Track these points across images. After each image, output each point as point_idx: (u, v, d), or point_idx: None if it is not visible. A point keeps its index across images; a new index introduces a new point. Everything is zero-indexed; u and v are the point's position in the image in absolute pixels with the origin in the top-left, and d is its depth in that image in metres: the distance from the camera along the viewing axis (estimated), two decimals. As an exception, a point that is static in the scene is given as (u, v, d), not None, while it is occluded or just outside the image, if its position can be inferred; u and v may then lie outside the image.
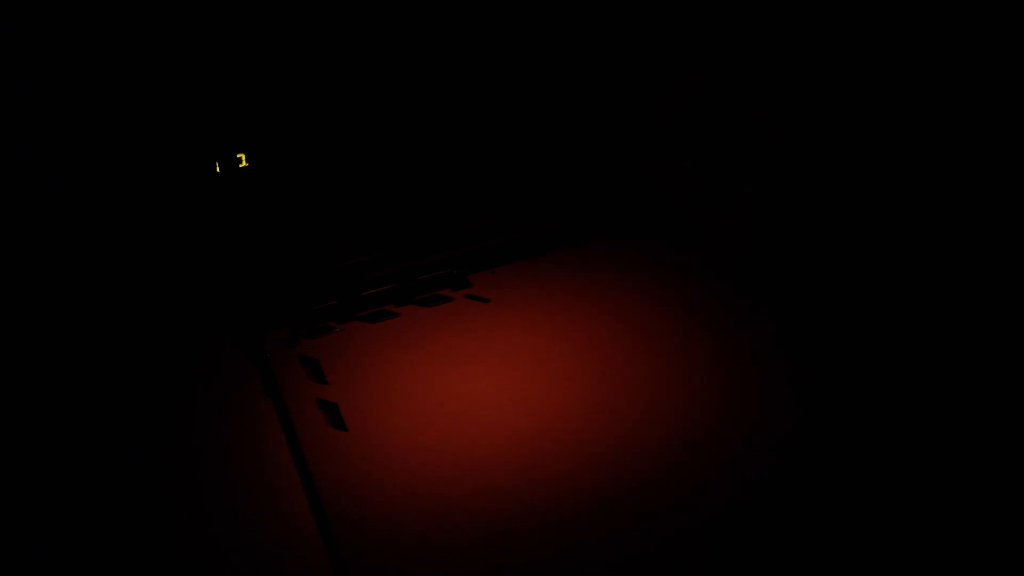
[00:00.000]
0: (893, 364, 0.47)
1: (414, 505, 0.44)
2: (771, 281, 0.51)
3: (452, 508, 0.44)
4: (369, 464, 0.47)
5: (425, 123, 0.78)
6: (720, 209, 0.77)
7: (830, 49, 0.68)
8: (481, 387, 0.55)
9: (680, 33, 0.82)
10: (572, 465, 0.46)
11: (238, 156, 0.73)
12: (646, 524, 0.41)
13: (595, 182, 0.84)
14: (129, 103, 0.68)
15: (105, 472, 0.49)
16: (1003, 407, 0.44)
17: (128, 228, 0.69)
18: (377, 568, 0.41)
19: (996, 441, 0.43)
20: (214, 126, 0.71)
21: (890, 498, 0.41)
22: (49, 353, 0.60)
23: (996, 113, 0.55)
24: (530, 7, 0.82)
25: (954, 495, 0.40)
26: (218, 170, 0.70)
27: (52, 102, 0.65)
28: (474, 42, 0.80)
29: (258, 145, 0.74)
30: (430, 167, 0.79)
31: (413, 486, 0.45)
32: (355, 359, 0.59)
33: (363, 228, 0.72)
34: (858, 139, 0.65)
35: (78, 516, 0.46)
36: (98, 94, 0.67)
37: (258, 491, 0.47)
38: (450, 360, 0.58)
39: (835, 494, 0.42)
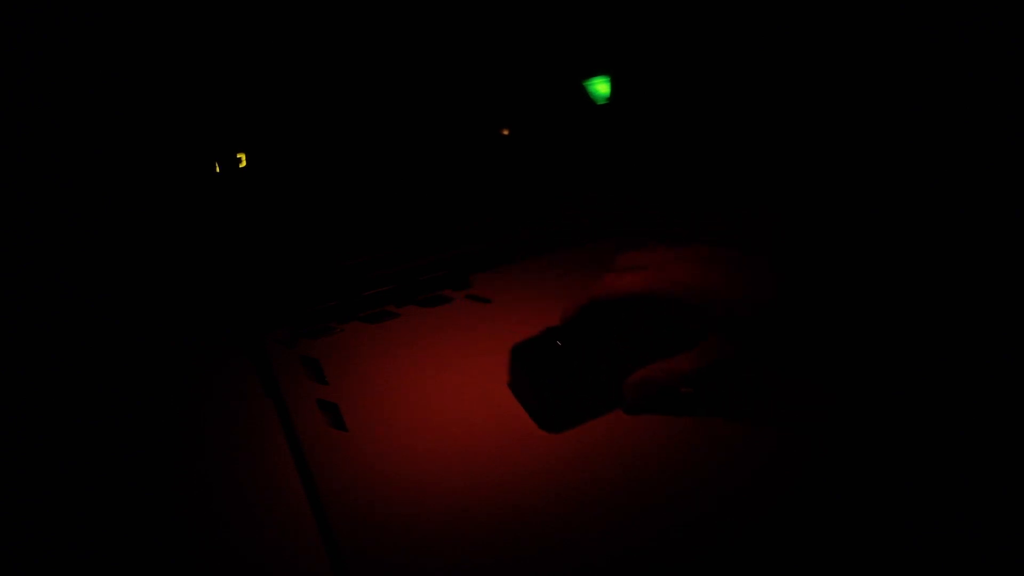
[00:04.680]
0: (893, 364, 0.47)
1: (415, 505, 0.44)
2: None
3: (454, 507, 0.44)
4: (370, 464, 0.47)
5: (426, 123, 0.79)
6: (718, 207, 0.77)
7: (829, 50, 0.68)
8: (482, 386, 0.55)
9: (679, 33, 0.82)
10: (573, 462, 0.46)
11: (238, 156, 0.73)
12: (647, 519, 0.41)
13: (597, 181, 0.84)
14: (129, 103, 0.69)
15: (105, 472, 0.49)
16: (1004, 409, 0.44)
17: (128, 229, 0.69)
18: (378, 567, 0.41)
19: (997, 443, 0.43)
20: (214, 126, 0.71)
21: (888, 499, 0.41)
22: (48, 355, 0.60)
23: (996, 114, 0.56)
24: (533, 7, 0.82)
25: (954, 497, 0.40)
26: (218, 170, 0.71)
27: (51, 102, 0.65)
28: (476, 42, 0.80)
29: (258, 145, 0.74)
30: (431, 167, 0.79)
31: (414, 486, 0.45)
32: (356, 359, 0.59)
33: (363, 228, 0.73)
34: (859, 140, 0.65)
35: (78, 516, 0.46)
36: (97, 94, 0.67)
37: (258, 491, 0.47)
38: (451, 360, 0.58)
39: (833, 493, 0.42)
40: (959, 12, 0.55)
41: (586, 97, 0.84)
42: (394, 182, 0.78)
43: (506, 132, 0.82)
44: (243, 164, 0.71)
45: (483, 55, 0.79)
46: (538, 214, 0.78)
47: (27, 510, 0.45)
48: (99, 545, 0.43)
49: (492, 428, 0.51)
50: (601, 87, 0.84)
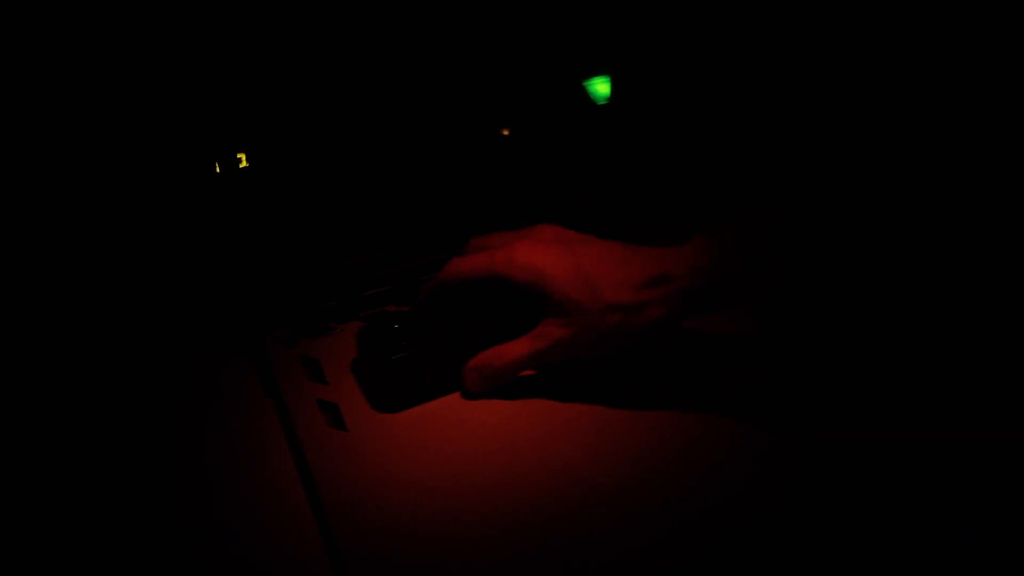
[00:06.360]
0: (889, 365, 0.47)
1: (415, 505, 0.44)
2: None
3: (454, 507, 0.44)
4: (370, 464, 0.48)
5: (426, 123, 0.79)
6: (718, 207, 0.77)
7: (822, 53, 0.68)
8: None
9: (679, 33, 0.82)
10: (573, 462, 0.46)
11: (238, 156, 0.73)
12: (646, 519, 0.41)
13: (597, 181, 0.84)
14: (129, 103, 0.68)
15: (105, 472, 0.49)
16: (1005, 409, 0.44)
17: (128, 229, 0.69)
18: (378, 567, 0.41)
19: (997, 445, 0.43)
20: (214, 126, 0.71)
21: (885, 500, 0.41)
22: (48, 354, 0.60)
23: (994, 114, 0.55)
24: (533, 7, 0.82)
25: (947, 503, 0.40)
26: (218, 170, 0.71)
27: (51, 102, 0.65)
28: (476, 42, 0.80)
29: (258, 145, 0.74)
30: (430, 167, 0.79)
31: (414, 486, 0.45)
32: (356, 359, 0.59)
33: (363, 228, 0.73)
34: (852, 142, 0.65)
35: (78, 516, 0.46)
36: (97, 94, 0.67)
37: (258, 491, 0.47)
38: (450, 360, 0.59)
39: (829, 494, 0.42)
40: (959, 12, 0.55)
41: (586, 97, 0.84)
42: (394, 182, 0.77)
43: (506, 132, 0.82)
44: (243, 164, 0.71)
45: (483, 55, 0.79)
46: (538, 214, 0.78)
47: (27, 510, 0.45)
48: (99, 545, 0.43)
49: (492, 425, 0.51)
50: (601, 87, 0.84)
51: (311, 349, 0.59)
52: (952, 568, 0.36)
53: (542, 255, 0.49)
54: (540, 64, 0.81)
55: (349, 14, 0.72)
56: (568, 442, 0.48)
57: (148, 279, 0.67)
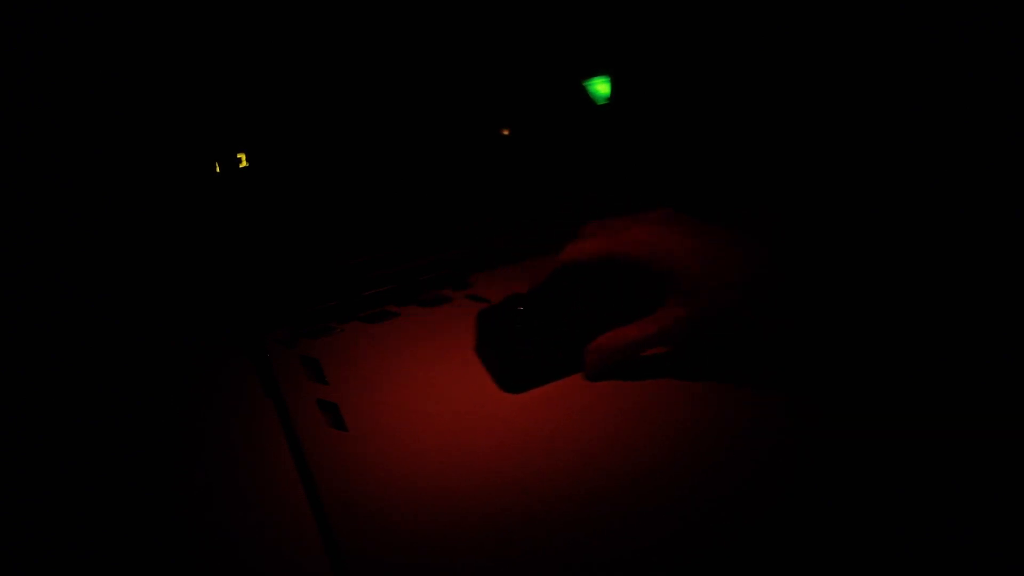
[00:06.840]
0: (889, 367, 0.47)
1: (416, 504, 0.44)
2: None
3: (454, 507, 0.44)
4: (370, 464, 0.48)
5: (425, 123, 0.79)
6: (719, 207, 0.77)
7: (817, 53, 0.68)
8: (483, 386, 0.55)
9: (679, 33, 0.82)
10: (573, 463, 0.46)
11: (238, 156, 0.73)
12: (644, 520, 0.41)
13: (597, 181, 0.84)
14: (129, 103, 0.69)
15: (105, 472, 0.49)
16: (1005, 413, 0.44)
17: (128, 229, 0.69)
18: (378, 567, 0.41)
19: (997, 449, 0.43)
20: (214, 126, 0.71)
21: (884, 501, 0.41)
22: (48, 354, 0.60)
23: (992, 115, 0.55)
24: (533, 7, 0.82)
25: (946, 503, 0.40)
26: (218, 170, 0.71)
27: (51, 102, 0.65)
28: (476, 42, 0.80)
29: (258, 145, 0.74)
30: (431, 167, 0.79)
31: (415, 485, 0.45)
32: (356, 359, 0.59)
33: (363, 228, 0.73)
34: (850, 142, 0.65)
35: (78, 516, 0.46)
36: (97, 94, 0.67)
37: (258, 491, 0.47)
38: (452, 359, 0.58)
39: (829, 495, 0.42)
40: (959, 12, 0.55)
41: (586, 97, 0.84)
42: (394, 182, 0.78)
43: (506, 132, 0.82)
44: (243, 164, 0.71)
45: (483, 55, 0.79)
46: (539, 214, 0.78)
47: (27, 510, 0.45)
48: (99, 545, 0.43)
49: (493, 425, 0.51)
50: (601, 87, 0.84)
51: (311, 349, 0.59)
52: (952, 568, 0.36)
53: (664, 235, 0.49)
54: (540, 64, 0.81)
55: (349, 14, 0.72)
56: (577, 440, 0.48)
57: (148, 279, 0.67)
